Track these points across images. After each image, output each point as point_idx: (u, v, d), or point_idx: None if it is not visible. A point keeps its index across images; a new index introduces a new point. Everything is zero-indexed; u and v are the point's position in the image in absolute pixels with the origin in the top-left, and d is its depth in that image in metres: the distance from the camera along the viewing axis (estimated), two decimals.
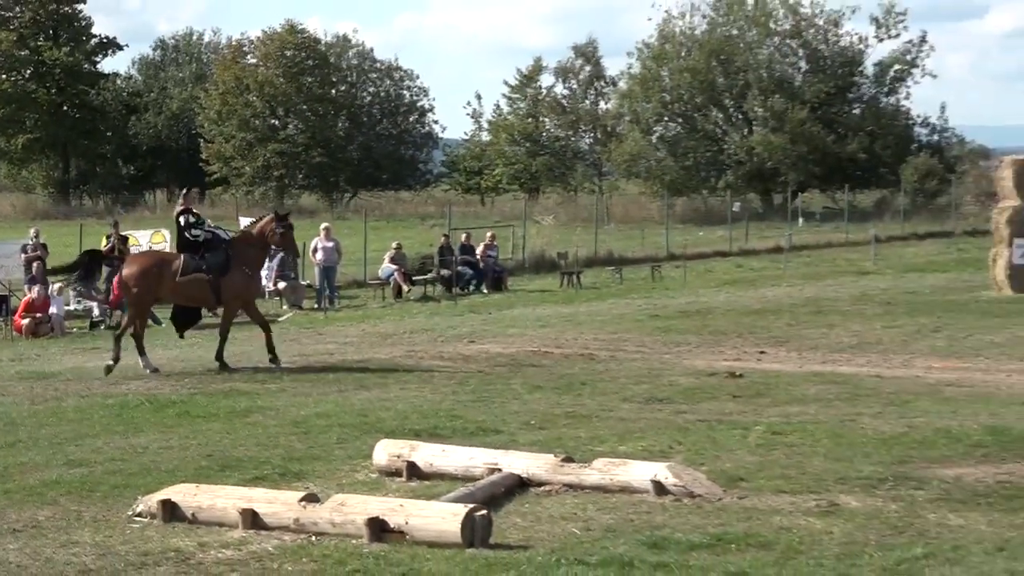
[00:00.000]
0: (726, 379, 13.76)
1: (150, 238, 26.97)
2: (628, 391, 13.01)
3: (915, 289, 25.45)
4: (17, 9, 66.24)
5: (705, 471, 8.74)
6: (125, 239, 24.95)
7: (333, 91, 65.76)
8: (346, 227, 38.87)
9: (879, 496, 8.25)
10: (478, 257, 29.87)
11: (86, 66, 67.42)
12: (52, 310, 22.23)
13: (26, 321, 21.78)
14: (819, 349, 16.60)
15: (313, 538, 7.38)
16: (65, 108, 67.09)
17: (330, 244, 26.92)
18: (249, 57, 65.76)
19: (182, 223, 15.89)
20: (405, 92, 68.01)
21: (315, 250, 26.54)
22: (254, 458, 9.77)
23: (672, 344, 17.33)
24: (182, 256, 15.65)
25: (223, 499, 7.79)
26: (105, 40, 68.70)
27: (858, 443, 9.95)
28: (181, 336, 17.18)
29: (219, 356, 15.47)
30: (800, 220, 48.62)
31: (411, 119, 68.17)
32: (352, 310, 25.46)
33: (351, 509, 7.41)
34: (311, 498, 7.63)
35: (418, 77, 69.19)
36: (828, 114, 55.92)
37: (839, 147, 54.48)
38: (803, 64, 57.87)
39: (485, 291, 28.95)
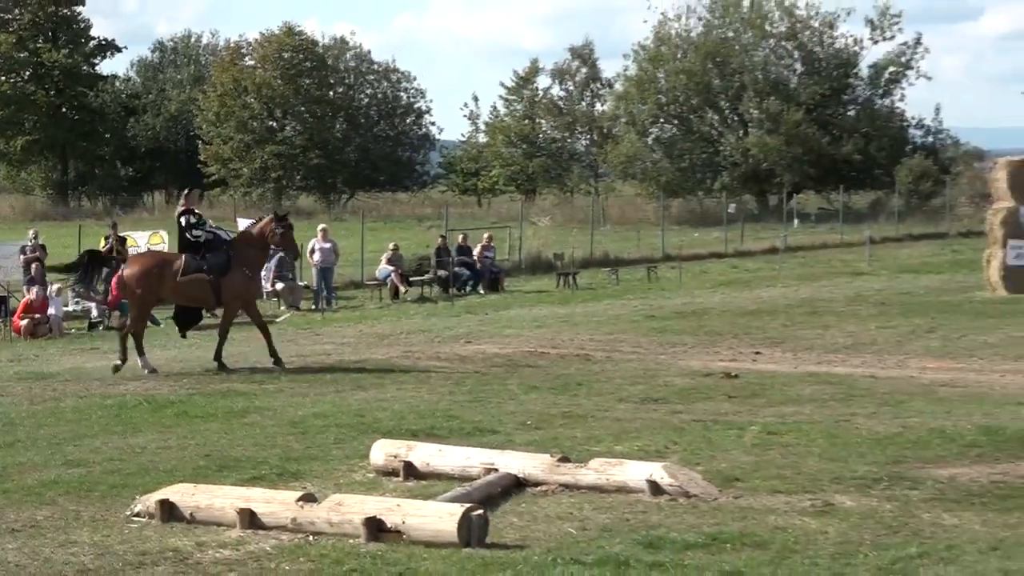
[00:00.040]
0: (722, 379, 13.79)
1: (148, 239, 27.02)
2: (624, 391, 13.03)
3: (910, 290, 25.50)
4: (16, 12, 66.24)
5: (701, 471, 8.77)
6: (123, 240, 24.98)
7: (331, 93, 65.75)
8: (343, 228, 38.91)
9: (874, 496, 8.28)
10: (475, 258, 29.92)
11: (85, 68, 67.39)
12: (50, 311, 22.28)
13: (25, 322, 21.83)
14: (814, 350, 16.64)
15: (310, 538, 7.40)
16: (64, 110, 67.08)
17: (327, 245, 26.95)
18: (247, 59, 65.72)
19: (183, 223, 15.92)
20: (402, 94, 68.02)
21: (312, 251, 26.57)
22: (252, 458, 9.79)
23: (668, 345, 17.37)
24: (183, 256, 15.70)
25: (221, 499, 7.82)
26: (104, 42, 68.70)
27: (853, 443, 9.98)
28: (183, 336, 17.25)
29: (217, 356, 15.51)
30: (795, 221, 48.65)
31: (408, 121, 68.19)
32: (349, 311, 25.49)
33: (348, 509, 7.43)
34: (308, 498, 7.65)
35: (415, 79, 69.18)
36: (823, 116, 55.97)
37: (834, 149, 54.53)
38: (798, 66, 57.88)
39: (482, 292, 28.98)
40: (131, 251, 23.31)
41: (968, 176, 54.85)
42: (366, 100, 67.69)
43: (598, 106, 65.20)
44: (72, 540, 7.55)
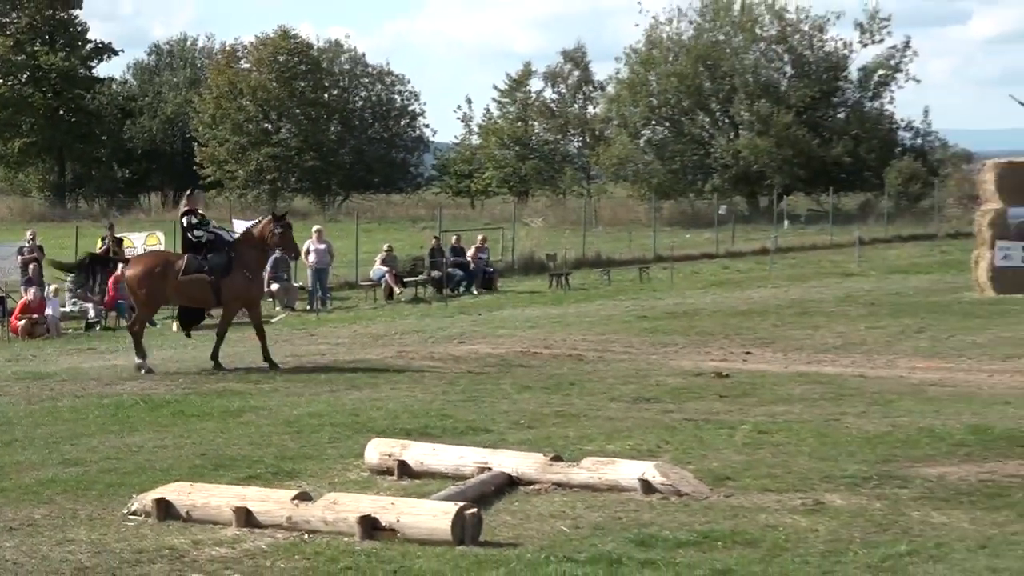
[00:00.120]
0: (713, 379, 13.83)
1: (144, 240, 27.08)
2: (616, 391, 13.07)
3: (899, 291, 25.57)
4: (14, 15, 66.23)
5: (692, 470, 8.80)
6: (120, 241, 25.07)
7: (325, 95, 65.73)
8: (338, 229, 38.92)
9: (863, 494, 8.32)
10: (469, 259, 29.98)
11: (82, 71, 67.40)
12: (48, 311, 22.33)
13: (22, 322, 21.90)
14: (804, 350, 16.69)
15: (306, 536, 7.43)
16: (61, 112, 67.06)
17: (322, 246, 27.01)
18: (242, 62, 65.71)
19: (186, 224, 15.96)
20: (396, 96, 68.08)
21: (307, 252, 26.60)
22: (247, 457, 9.82)
23: (659, 345, 17.42)
24: (185, 256, 15.76)
25: (217, 498, 7.84)
26: (100, 45, 68.66)
27: (843, 442, 10.02)
28: (188, 335, 17.33)
29: (214, 356, 15.54)
30: (785, 223, 48.70)
31: (402, 123, 68.23)
32: (344, 311, 25.53)
33: (343, 507, 7.46)
34: (304, 496, 7.67)
35: (409, 82, 69.24)
36: (813, 118, 56.07)
37: (824, 151, 54.62)
38: (788, 69, 57.97)
39: (475, 292, 29.05)
40: (127, 252, 23.36)
41: (956, 178, 54.94)
42: (360, 103, 67.72)
43: (590, 108, 65.37)
44: (69, 538, 7.57)
